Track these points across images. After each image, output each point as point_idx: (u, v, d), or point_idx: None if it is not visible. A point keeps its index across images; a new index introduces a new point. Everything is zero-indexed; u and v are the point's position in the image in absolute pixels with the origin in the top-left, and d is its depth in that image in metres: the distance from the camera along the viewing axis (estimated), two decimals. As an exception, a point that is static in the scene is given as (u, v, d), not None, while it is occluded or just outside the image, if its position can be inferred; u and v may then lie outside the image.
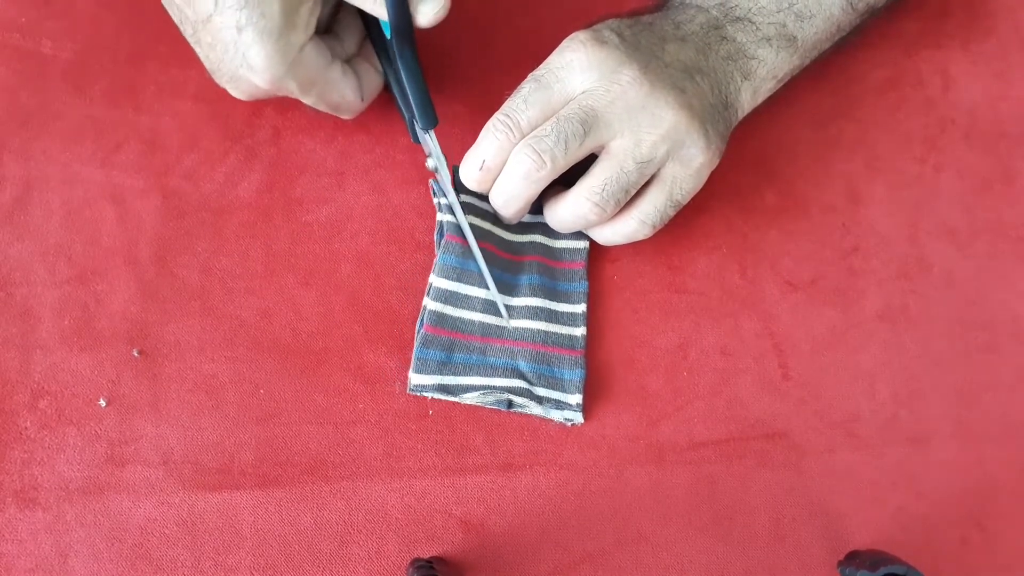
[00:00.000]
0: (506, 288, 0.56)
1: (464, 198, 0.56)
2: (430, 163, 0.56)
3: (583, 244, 0.58)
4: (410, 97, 0.53)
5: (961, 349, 0.60)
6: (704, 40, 0.55)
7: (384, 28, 0.54)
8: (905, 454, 0.57)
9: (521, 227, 0.58)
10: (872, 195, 0.62)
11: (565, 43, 0.53)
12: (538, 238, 0.58)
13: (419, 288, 0.57)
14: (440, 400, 0.55)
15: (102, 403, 0.53)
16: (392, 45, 0.53)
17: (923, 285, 0.61)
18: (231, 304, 0.56)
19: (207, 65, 0.53)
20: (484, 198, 0.56)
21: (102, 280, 0.55)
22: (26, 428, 0.53)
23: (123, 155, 0.58)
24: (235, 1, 0.48)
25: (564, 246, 0.58)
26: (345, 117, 0.57)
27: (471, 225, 0.56)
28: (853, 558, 0.53)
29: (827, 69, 0.64)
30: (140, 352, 0.54)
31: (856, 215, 0.62)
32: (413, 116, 0.55)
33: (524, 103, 0.52)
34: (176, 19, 0.53)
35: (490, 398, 0.54)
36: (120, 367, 0.54)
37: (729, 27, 0.56)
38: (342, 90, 0.54)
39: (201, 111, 0.59)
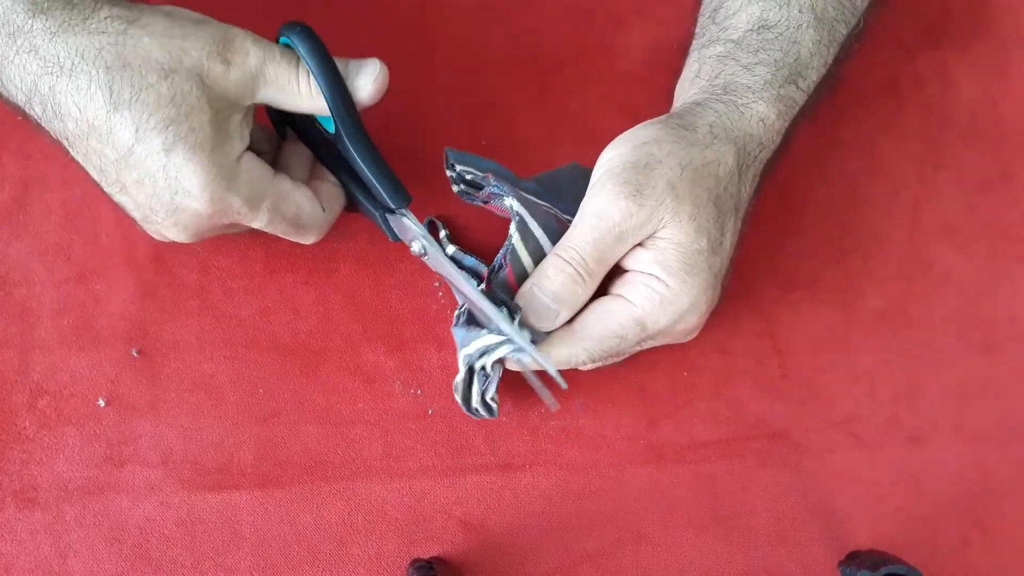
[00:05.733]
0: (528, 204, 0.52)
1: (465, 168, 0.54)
2: (415, 247, 0.52)
3: None
4: (374, 182, 0.50)
5: (961, 349, 0.60)
6: (747, 189, 0.52)
7: (325, 124, 0.51)
8: (905, 454, 0.57)
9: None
10: (872, 195, 0.62)
11: (698, 306, 0.49)
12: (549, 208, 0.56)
13: (418, 287, 0.57)
14: (441, 400, 0.55)
15: (101, 403, 0.53)
16: (341, 137, 0.49)
17: (923, 285, 0.61)
18: (230, 303, 0.56)
19: (137, 215, 0.48)
20: (479, 186, 0.54)
21: (101, 280, 0.55)
22: (25, 428, 0.53)
23: (122, 154, 0.58)
24: (158, 122, 0.44)
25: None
26: (310, 238, 0.52)
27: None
28: (854, 558, 0.53)
29: (831, 68, 0.64)
30: (139, 352, 0.54)
31: (856, 214, 0.62)
32: (384, 211, 0.52)
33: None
34: (95, 170, 0.47)
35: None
36: (119, 367, 0.54)
37: (757, 152, 0.51)
38: (297, 200, 0.50)
39: (200, 111, 0.59)
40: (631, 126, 0.51)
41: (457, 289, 0.52)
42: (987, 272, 0.61)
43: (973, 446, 0.58)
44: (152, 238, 0.55)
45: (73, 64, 0.44)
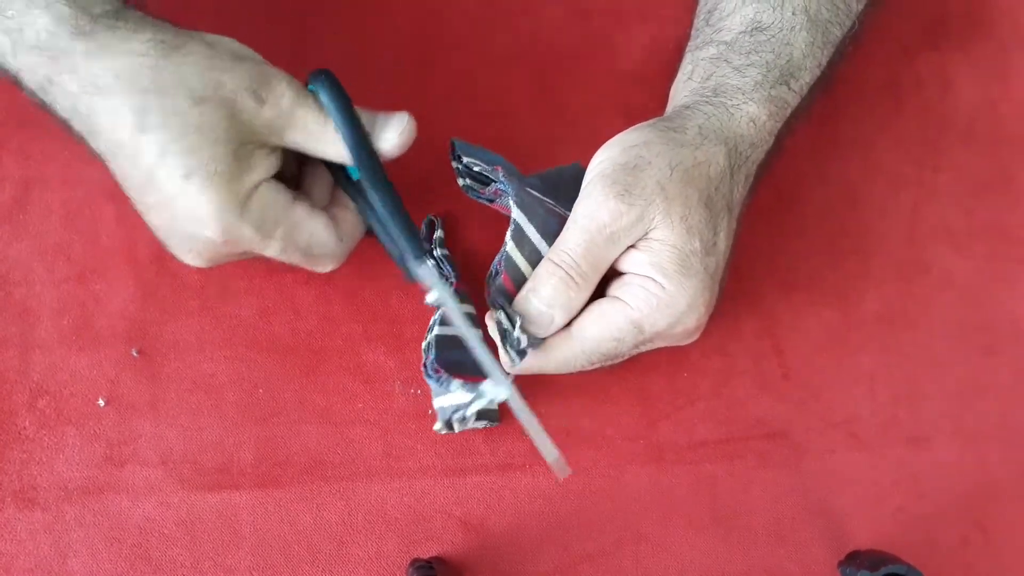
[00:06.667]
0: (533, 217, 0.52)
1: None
2: (430, 298, 0.51)
3: None
4: (396, 232, 0.50)
5: (960, 350, 0.60)
6: (740, 190, 0.52)
7: (350, 171, 0.50)
8: (905, 454, 0.57)
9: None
10: (871, 196, 0.62)
11: (694, 303, 0.48)
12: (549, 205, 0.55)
13: (418, 288, 0.56)
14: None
15: (101, 403, 0.53)
16: (364, 185, 0.49)
17: (922, 287, 0.61)
18: (230, 303, 0.56)
19: (159, 235, 0.49)
20: (486, 180, 0.54)
21: (101, 279, 0.55)
22: (25, 428, 0.53)
23: (122, 154, 0.58)
24: (181, 148, 0.44)
25: None
26: (326, 267, 0.51)
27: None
28: (854, 558, 0.53)
29: (826, 70, 0.64)
30: (139, 352, 0.54)
31: (855, 216, 0.62)
32: (402, 253, 0.51)
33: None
34: (127, 189, 0.48)
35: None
36: (119, 367, 0.54)
37: (749, 152, 0.51)
38: (312, 229, 0.49)
39: (201, 111, 0.59)
40: (631, 126, 0.51)
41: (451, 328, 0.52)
42: (986, 274, 0.61)
43: (973, 447, 0.58)
44: (152, 238, 0.56)
45: (108, 84, 0.45)
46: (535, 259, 0.51)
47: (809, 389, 0.58)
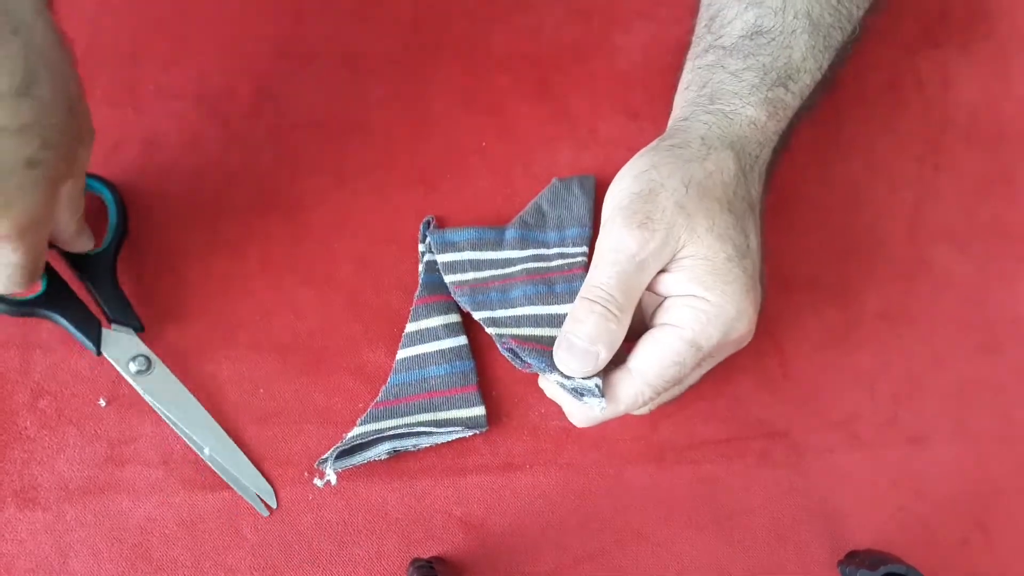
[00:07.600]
0: (500, 303, 0.55)
1: (444, 257, 0.56)
2: (133, 367, 0.53)
3: (581, 249, 0.57)
4: (114, 302, 0.54)
5: (961, 349, 0.60)
6: (757, 189, 0.51)
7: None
8: (905, 454, 0.57)
9: (508, 261, 0.57)
10: (872, 195, 0.62)
11: (749, 321, 0.48)
12: (531, 264, 0.57)
13: (417, 288, 0.57)
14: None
15: (102, 403, 0.54)
16: (98, 259, 0.54)
17: (923, 285, 0.61)
18: (230, 303, 0.56)
19: None
20: (459, 248, 0.57)
21: (102, 280, 0.55)
22: (26, 428, 0.53)
23: (122, 155, 0.58)
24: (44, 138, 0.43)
25: (560, 263, 0.57)
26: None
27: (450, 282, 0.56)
28: (853, 558, 0.53)
29: (828, 73, 0.64)
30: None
31: (855, 215, 0.62)
32: (107, 323, 0.54)
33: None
34: None
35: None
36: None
37: (757, 151, 0.51)
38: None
39: (201, 111, 0.59)
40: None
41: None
42: (987, 273, 0.61)
43: (973, 446, 0.58)
44: (151, 239, 0.56)
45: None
46: (522, 317, 0.54)
47: (809, 388, 0.58)
